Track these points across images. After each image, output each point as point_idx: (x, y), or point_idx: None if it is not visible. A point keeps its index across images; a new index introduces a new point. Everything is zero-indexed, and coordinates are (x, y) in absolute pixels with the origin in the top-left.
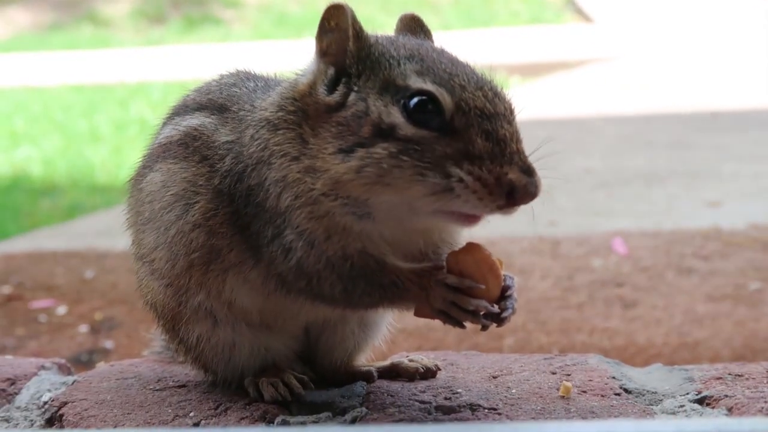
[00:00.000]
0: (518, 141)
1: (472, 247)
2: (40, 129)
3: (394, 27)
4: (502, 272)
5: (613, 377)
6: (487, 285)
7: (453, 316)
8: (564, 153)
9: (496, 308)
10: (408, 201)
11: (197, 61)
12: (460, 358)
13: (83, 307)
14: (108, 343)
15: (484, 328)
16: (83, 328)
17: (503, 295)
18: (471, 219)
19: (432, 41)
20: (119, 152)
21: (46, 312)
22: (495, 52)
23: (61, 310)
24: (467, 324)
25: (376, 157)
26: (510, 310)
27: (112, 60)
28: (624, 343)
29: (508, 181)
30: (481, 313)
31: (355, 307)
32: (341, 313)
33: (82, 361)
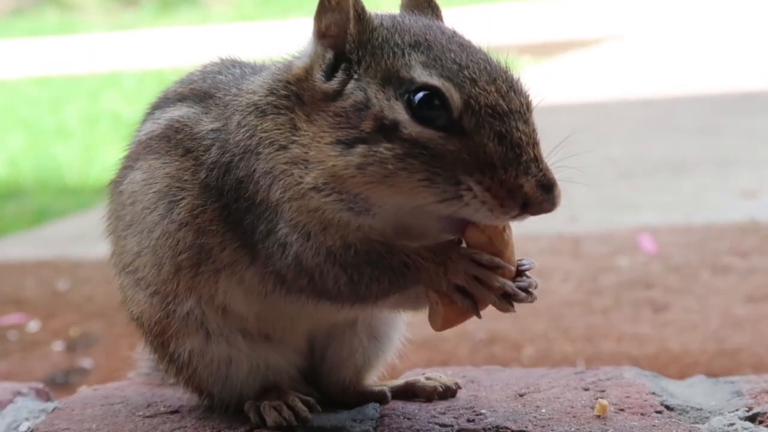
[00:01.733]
0: (535, 145)
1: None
2: (1, 125)
3: (400, 3)
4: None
5: (653, 393)
6: (507, 258)
7: (473, 293)
8: (581, 140)
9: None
10: (414, 204)
11: (174, 46)
12: (480, 373)
13: (57, 322)
14: (86, 362)
15: (506, 309)
16: (58, 346)
17: (519, 272)
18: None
19: (441, 19)
20: (90, 149)
21: (17, 328)
22: (503, 30)
23: (33, 326)
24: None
25: (380, 157)
26: (525, 282)
27: (80, 47)
28: (656, 350)
29: (523, 194)
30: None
31: (364, 300)
32: (346, 315)
33: (58, 383)
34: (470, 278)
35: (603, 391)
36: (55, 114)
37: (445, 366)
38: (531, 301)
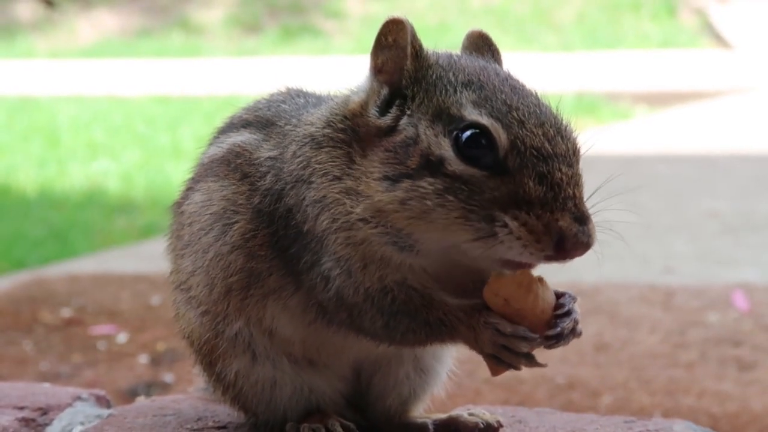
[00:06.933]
0: (576, 185)
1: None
2: (119, 141)
3: (461, 44)
4: (548, 292)
5: None
6: (528, 311)
7: (505, 361)
8: (688, 193)
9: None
10: (452, 241)
11: (293, 74)
12: (531, 415)
13: (145, 335)
14: (168, 377)
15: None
16: (143, 359)
17: (555, 314)
18: (521, 265)
19: (500, 62)
20: None
21: (106, 339)
22: (620, 78)
23: (122, 337)
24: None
25: (421, 192)
26: (558, 329)
27: (203, 69)
28: (736, 409)
29: (558, 228)
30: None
31: (398, 344)
32: (389, 350)
33: (139, 395)
34: (497, 347)
35: None
36: (171, 133)
37: (512, 405)
38: (570, 341)
